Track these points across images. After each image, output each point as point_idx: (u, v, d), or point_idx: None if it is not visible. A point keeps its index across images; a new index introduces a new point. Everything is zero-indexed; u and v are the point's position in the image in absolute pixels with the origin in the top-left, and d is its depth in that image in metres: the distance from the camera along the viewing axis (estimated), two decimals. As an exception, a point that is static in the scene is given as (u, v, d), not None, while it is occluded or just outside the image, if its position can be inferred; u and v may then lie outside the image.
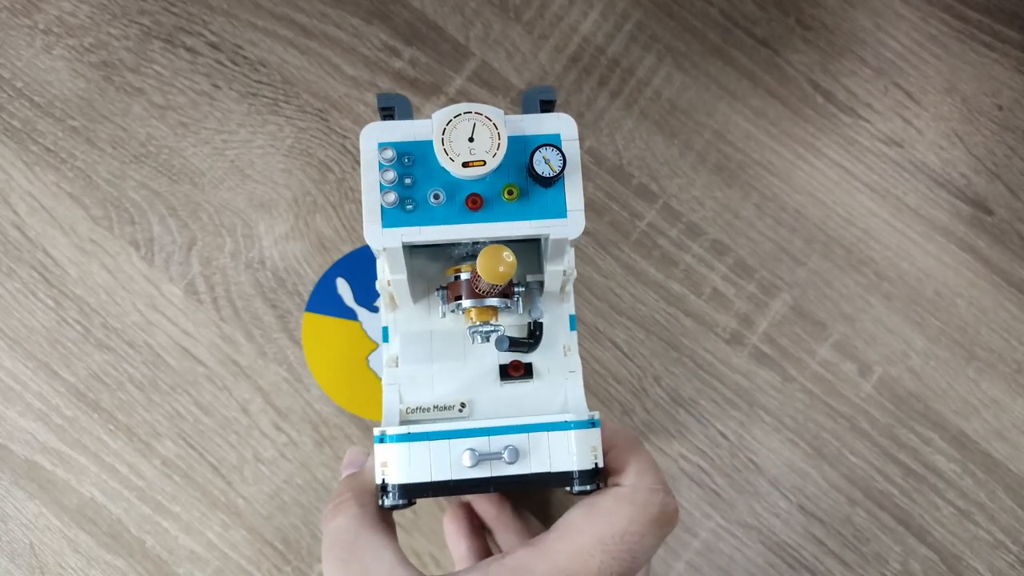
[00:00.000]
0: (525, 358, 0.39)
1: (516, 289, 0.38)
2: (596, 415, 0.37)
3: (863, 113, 0.58)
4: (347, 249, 0.54)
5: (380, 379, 0.53)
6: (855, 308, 0.55)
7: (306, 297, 0.54)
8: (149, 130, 0.55)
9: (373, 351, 0.53)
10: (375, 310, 0.54)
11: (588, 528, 0.32)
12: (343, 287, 0.54)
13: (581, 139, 0.56)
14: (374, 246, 0.34)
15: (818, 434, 0.53)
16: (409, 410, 0.38)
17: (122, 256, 0.54)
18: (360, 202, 0.55)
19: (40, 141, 0.55)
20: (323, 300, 0.54)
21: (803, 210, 0.56)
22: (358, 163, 0.55)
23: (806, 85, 0.58)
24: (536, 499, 0.52)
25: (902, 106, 0.58)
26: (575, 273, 0.38)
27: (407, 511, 0.51)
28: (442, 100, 0.56)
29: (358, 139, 0.56)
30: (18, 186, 0.54)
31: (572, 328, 0.40)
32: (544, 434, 0.36)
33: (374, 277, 0.55)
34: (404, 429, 0.35)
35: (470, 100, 0.57)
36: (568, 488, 0.36)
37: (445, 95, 0.57)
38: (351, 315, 0.54)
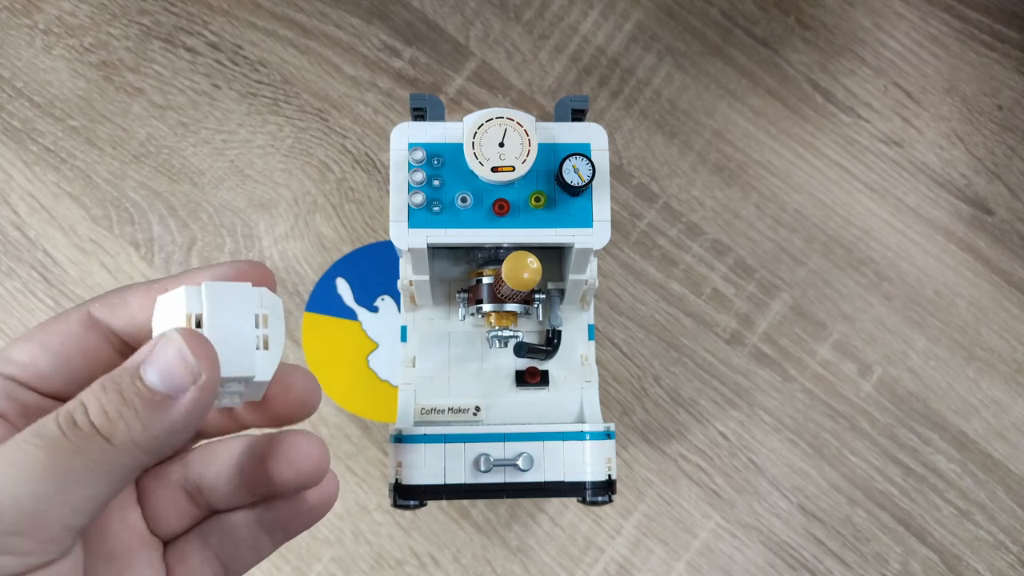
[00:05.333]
0: (542, 365, 0.39)
1: (537, 296, 0.38)
2: (611, 426, 0.37)
3: (863, 113, 0.58)
4: (347, 249, 0.54)
5: (380, 379, 0.53)
6: (855, 308, 0.55)
7: (306, 297, 0.54)
8: (149, 130, 0.55)
9: (373, 351, 0.53)
10: (375, 310, 0.54)
11: None
12: (343, 287, 0.54)
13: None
14: (399, 245, 0.34)
15: (818, 434, 0.53)
16: (424, 411, 0.38)
17: (122, 256, 0.54)
18: (360, 202, 0.55)
19: (40, 141, 0.55)
20: (323, 300, 0.54)
21: (803, 210, 0.56)
22: (358, 163, 0.55)
23: (806, 85, 0.58)
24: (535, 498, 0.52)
25: (902, 106, 0.58)
26: (596, 283, 0.38)
27: (406, 511, 0.51)
28: (442, 100, 0.56)
29: (358, 139, 0.56)
30: (18, 186, 0.54)
31: (591, 338, 0.40)
32: (559, 443, 0.36)
33: (373, 277, 0.55)
34: (420, 430, 0.35)
35: (470, 100, 0.57)
36: (580, 498, 0.36)
37: (445, 95, 0.57)
38: (351, 315, 0.53)
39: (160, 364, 0.21)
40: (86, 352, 0.25)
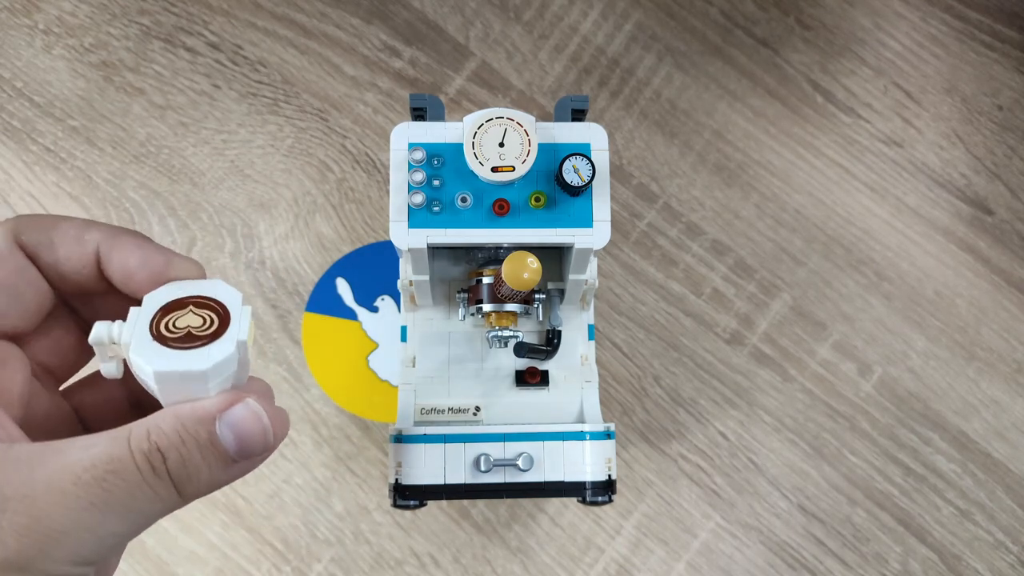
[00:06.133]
0: (542, 365, 0.39)
1: (537, 296, 0.38)
2: (611, 426, 0.37)
3: (863, 113, 0.58)
4: (347, 249, 0.54)
5: (380, 379, 0.53)
6: (855, 308, 0.55)
7: (306, 297, 0.54)
8: (149, 130, 0.55)
9: (373, 351, 0.53)
10: (375, 310, 0.54)
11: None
12: (343, 287, 0.54)
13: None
14: (399, 245, 0.34)
15: (818, 434, 0.53)
16: (424, 411, 0.38)
17: (122, 256, 0.54)
18: (360, 202, 0.55)
19: (40, 141, 0.55)
20: (323, 300, 0.54)
21: (803, 210, 0.56)
22: (358, 163, 0.55)
23: (806, 85, 0.58)
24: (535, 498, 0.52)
25: (902, 106, 0.58)
26: (596, 283, 0.38)
27: (406, 511, 0.51)
28: (442, 100, 0.56)
29: (358, 139, 0.56)
30: (18, 186, 0.54)
31: (591, 338, 0.40)
32: (559, 443, 0.36)
33: (373, 277, 0.55)
34: (420, 430, 0.35)
35: (470, 100, 0.57)
36: (580, 498, 0.36)
37: (445, 95, 0.57)
38: (351, 315, 0.53)
39: (239, 432, 0.22)
40: (32, 284, 0.24)
